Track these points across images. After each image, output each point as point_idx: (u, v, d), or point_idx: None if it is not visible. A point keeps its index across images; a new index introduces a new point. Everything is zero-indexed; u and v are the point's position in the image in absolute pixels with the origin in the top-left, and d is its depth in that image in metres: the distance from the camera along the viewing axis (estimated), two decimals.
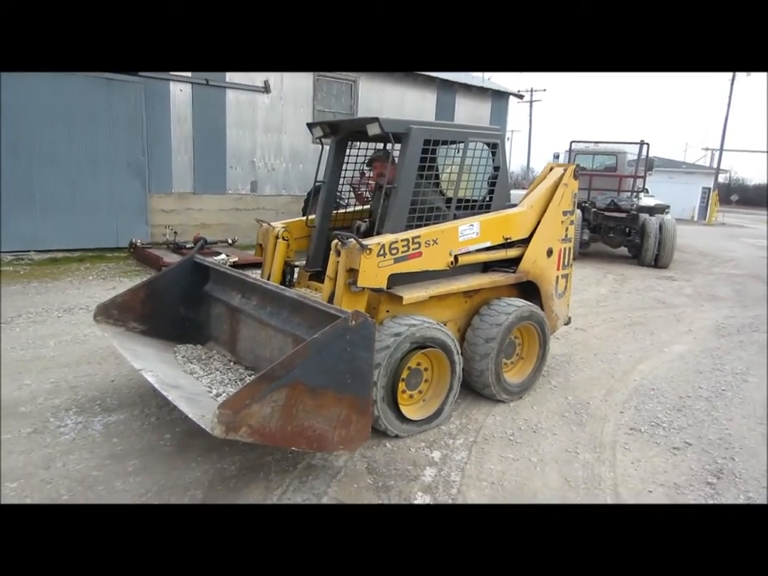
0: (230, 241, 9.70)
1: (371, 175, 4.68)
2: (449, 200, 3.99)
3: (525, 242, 4.27)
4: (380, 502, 2.84)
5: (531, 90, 38.04)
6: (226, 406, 2.37)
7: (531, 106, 39.27)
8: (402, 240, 3.43)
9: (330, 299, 3.44)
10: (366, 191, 7.43)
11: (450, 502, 2.87)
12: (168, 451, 3.21)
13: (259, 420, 2.44)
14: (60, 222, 9.01)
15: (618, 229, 11.88)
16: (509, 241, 4.13)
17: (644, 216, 11.58)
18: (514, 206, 4.31)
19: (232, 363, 3.83)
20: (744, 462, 3.47)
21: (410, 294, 3.48)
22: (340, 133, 4.22)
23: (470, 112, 14.31)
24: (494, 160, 4.15)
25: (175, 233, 9.40)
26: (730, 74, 32.56)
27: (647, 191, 17.68)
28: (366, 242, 3.30)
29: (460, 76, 14.18)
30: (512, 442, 3.56)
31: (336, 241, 3.42)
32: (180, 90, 10.07)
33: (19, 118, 8.44)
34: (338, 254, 3.38)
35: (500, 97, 15.08)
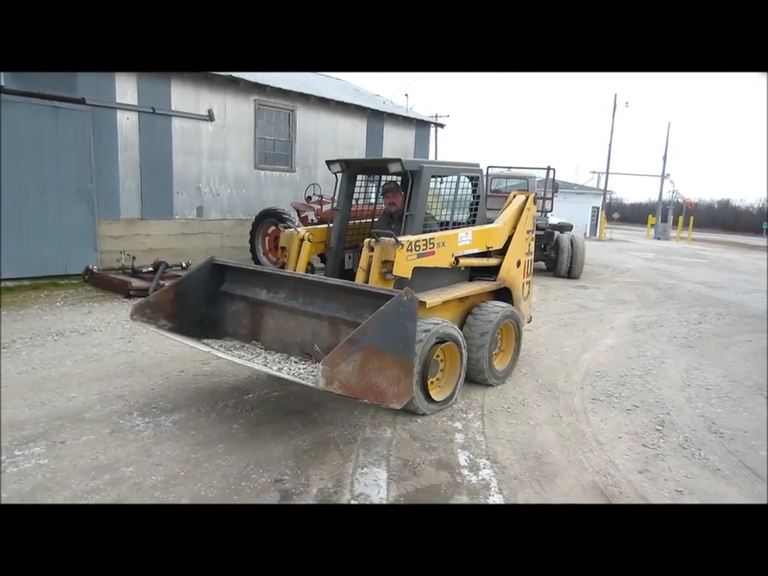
0: (183, 264, 10.00)
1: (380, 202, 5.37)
2: (442, 223, 4.92)
3: (500, 253, 5.27)
4: (431, 457, 3.62)
5: (436, 116, 40.50)
6: (326, 363, 2.94)
7: (436, 131, 41.68)
8: (422, 240, 4.38)
9: None
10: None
11: (484, 453, 3.73)
12: (243, 437, 3.80)
13: (345, 375, 3.04)
14: (7, 250, 8.89)
15: (536, 245, 13.38)
16: (490, 250, 5.11)
17: (557, 233, 13.20)
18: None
19: (263, 350, 4.30)
20: (677, 416, 4.64)
21: (431, 299, 4.35)
22: (352, 168, 5.03)
23: (396, 139, 15.43)
24: (474, 190, 5.14)
25: (133, 258, 9.60)
26: (611, 106, 36.68)
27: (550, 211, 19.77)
28: (400, 238, 4.15)
29: (388, 107, 15.33)
30: (510, 413, 4.49)
31: (369, 239, 4.22)
32: (127, 119, 10.26)
33: None
34: (371, 249, 4.18)
35: (423, 126, 16.41)
